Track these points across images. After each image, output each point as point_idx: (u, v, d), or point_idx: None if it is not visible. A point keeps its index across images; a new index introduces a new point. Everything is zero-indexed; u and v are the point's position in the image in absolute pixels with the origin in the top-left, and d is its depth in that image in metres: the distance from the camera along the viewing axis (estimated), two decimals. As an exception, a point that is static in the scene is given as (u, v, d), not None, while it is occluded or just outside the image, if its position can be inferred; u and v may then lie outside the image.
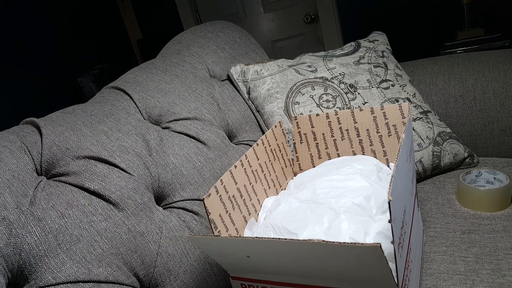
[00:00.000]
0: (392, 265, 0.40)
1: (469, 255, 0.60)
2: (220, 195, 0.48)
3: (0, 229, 0.46)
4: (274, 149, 0.66)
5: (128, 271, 0.54)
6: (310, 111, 0.85)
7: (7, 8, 1.65)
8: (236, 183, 0.53)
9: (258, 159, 0.60)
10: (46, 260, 0.48)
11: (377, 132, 0.65)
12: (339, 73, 0.90)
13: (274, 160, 0.66)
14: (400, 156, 0.40)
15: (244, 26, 2.23)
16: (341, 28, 2.03)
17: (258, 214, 0.58)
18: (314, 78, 0.89)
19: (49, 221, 0.50)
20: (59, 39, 1.90)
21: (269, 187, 0.63)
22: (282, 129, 0.70)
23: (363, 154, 0.67)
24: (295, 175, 0.72)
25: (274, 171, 0.65)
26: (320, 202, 0.52)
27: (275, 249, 0.36)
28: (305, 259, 0.36)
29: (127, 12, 2.36)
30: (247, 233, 0.53)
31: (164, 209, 0.64)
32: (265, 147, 0.63)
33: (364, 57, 0.94)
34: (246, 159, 0.56)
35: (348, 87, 0.87)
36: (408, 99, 0.88)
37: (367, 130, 0.66)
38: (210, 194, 0.46)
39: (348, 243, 0.31)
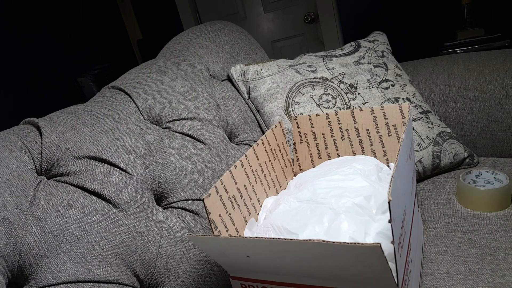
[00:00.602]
0: (392, 265, 0.40)
1: (469, 255, 0.60)
2: (220, 195, 0.48)
3: (0, 229, 0.46)
4: (274, 149, 0.66)
5: (128, 271, 0.54)
6: (310, 111, 0.85)
7: (7, 8, 1.65)
8: (236, 183, 0.53)
9: (258, 159, 0.60)
10: (46, 260, 0.48)
11: (377, 132, 0.65)
12: (339, 73, 0.90)
13: (274, 160, 0.66)
14: (400, 156, 0.40)
15: (244, 26, 2.23)
16: (341, 28, 2.03)
17: (258, 214, 0.58)
18: (314, 78, 0.89)
19: (49, 221, 0.50)
20: (59, 39, 1.90)
21: (269, 187, 0.63)
22: (282, 129, 0.70)
23: (363, 154, 0.67)
24: (295, 175, 0.72)
25: (274, 171, 0.65)
26: (320, 202, 0.52)
27: (275, 249, 0.36)
28: (305, 259, 0.36)
29: (127, 12, 2.36)
30: (247, 233, 0.53)
31: (164, 209, 0.64)
32: (265, 147, 0.63)
33: (364, 57, 0.94)
34: (246, 159, 0.56)
35: (348, 87, 0.87)
36: (408, 99, 0.88)
37: (367, 130, 0.66)
38: (210, 194, 0.46)
39: (348, 243, 0.31)
